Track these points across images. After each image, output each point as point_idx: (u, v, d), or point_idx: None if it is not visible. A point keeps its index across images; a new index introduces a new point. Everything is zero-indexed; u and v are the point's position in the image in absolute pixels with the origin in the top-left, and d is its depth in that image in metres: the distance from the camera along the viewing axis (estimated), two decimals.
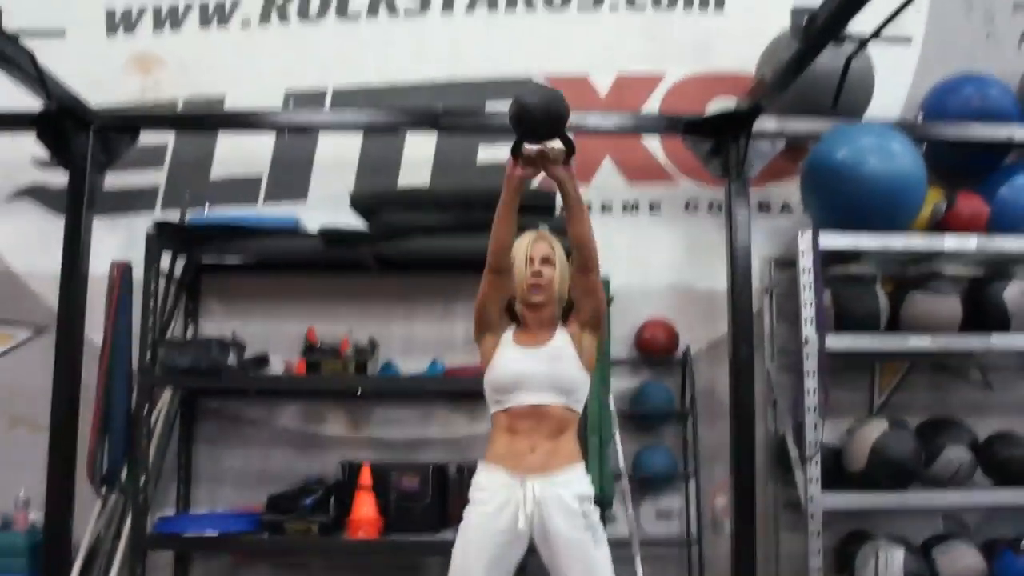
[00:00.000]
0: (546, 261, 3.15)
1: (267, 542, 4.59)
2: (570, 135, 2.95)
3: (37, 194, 5.36)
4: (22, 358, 5.22)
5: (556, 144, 2.94)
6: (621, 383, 5.16)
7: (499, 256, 3.07)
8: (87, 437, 4.71)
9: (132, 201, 5.34)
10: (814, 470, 4.50)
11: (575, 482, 3.06)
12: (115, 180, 5.23)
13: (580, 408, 3.15)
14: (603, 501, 4.59)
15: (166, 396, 5.01)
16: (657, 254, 5.33)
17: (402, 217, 4.70)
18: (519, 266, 3.13)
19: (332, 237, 4.65)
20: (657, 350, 5.15)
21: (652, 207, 5.39)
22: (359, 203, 4.74)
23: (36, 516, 4.82)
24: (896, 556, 4.48)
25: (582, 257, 3.09)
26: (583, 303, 3.14)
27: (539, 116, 2.81)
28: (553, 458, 3.02)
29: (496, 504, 3.01)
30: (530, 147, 2.96)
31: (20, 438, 5.13)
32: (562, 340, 3.13)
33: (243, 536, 4.59)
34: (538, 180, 5.03)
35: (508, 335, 3.17)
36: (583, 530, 2.98)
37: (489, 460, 3.11)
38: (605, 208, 5.37)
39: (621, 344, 5.18)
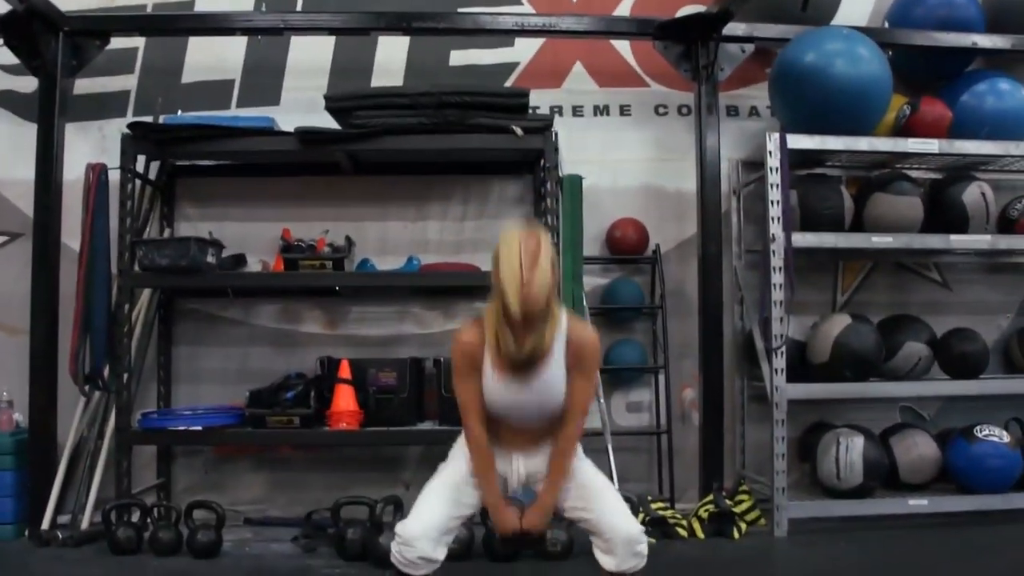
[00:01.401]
0: (536, 264, 2.76)
1: (250, 435, 4.72)
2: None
3: (6, 101, 5.30)
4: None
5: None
6: (593, 280, 5.29)
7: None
8: (67, 339, 4.77)
9: (103, 107, 5.32)
10: (779, 362, 4.66)
11: None
12: (86, 85, 5.24)
13: None
14: None
15: (145, 297, 5.07)
16: (628, 156, 5.42)
17: (376, 118, 4.73)
18: (509, 273, 2.76)
19: (308, 136, 4.68)
20: (628, 248, 5.27)
21: (623, 110, 5.47)
22: (333, 103, 4.76)
23: (19, 416, 4.92)
24: (856, 443, 4.68)
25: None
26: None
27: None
28: (536, 442, 3.04)
29: None
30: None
31: (0, 342, 5.18)
32: (553, 370, 2.92)
33: (226, 429, 4.71)
34: (512, 80, 5.32)
35: (488, 367, 2.94)
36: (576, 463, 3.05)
37: None
38: (576, 111, 5.44)
39: (593, 243, 5.28)
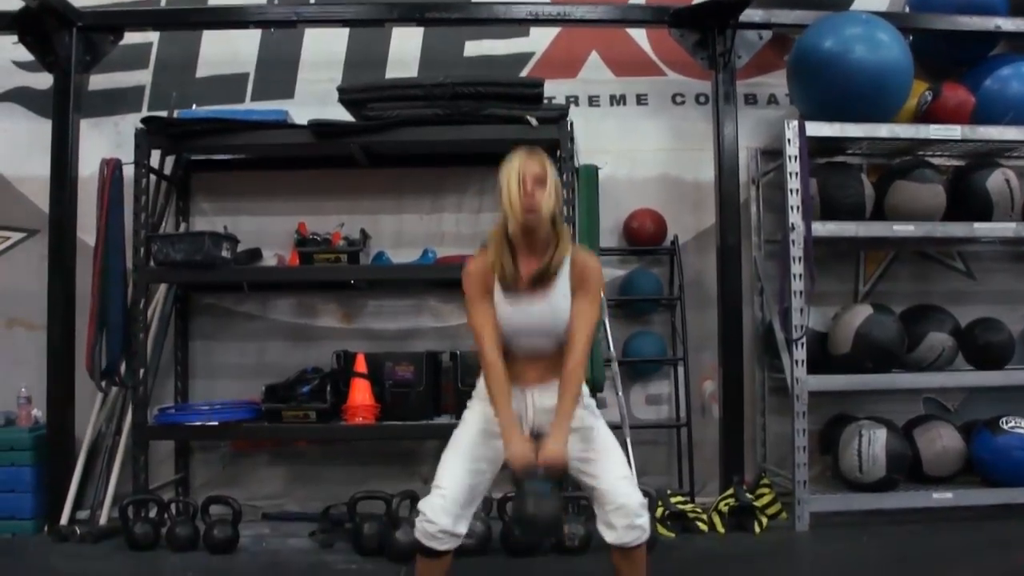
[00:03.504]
0: (538, 181, 2.95)
1: (266, 429, 4.71)
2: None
3: (21, 97, 5.32)
4: (16, 260, 5.26)
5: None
6: (610, 271, 5.24)
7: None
8: (84, 335, 4.77)
9: (118, 102, 5.33)
10: (800, 353, 4.60)
11: None
12: (100, 81, 5.26)
13: None
14: (594, 386, 4.72)
15: (161, 292, 5.08)
16: (645, 146, 5.36)
17: (391, 109, 4.70)
18: (512, 188, 2.95)
19: (322, 129, 4.65)
20: (645, 239, 5.22)
21: (640, 99, 5.40)
22: (347, 95, 4.73)
23: (38, 412, 4.93)
24: (879, 435, 4.61)
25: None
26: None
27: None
28: (550, 372, 3.02)
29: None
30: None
31: (18, 337, 5.20)
32: (560, 293, 2.99)
33: (243, 424, 4.70)
34: (527, 70, 5.25)
35: (498, 292, 3.01)
36: (588, 418, 3.04)
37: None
38: (592, 101, 5.38)
39: (610, 234, 5.24)
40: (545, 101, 4.92)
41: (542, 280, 2.96)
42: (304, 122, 4.76)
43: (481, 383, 3.08)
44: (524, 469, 2.85)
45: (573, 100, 5.31)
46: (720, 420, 5.05)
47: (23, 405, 4.86)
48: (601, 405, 4.91)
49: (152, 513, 4.56)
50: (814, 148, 4.79)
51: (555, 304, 2.97)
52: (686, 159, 5.32)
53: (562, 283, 2.98)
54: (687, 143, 5.32)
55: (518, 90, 4.73)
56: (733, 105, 5.02)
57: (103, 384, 4.77)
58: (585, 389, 3.07)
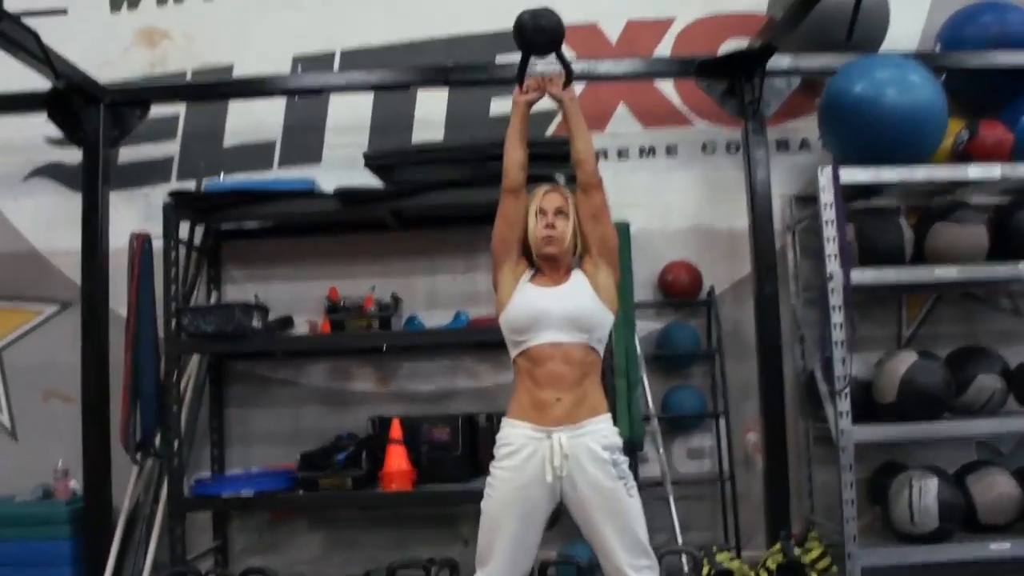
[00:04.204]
0: (559, 213, 3.10)
1: (302, 499, 4.64)
2: (568, 61, 3.13)
3: (53, 172, 5.40)
4: (50, 333, 5.30)
5: (555, 68, 3.11)
6: (647, 326, 5.16)
7: (512, 174, 3.14)
8: (119, 407, 4.76)
9: (147, 174, 5.38)
10: (844, 404, 4.46)
11: (603, 431, 3.00)
12: (129, 154, 5.34)
13: (602, 349, 3.09)
14: (633, 444, 4.63)
15: (195, 362, 5.06)
16: (677, 197, 5.29)
17: (418, 173, 4.69)
18: (532, 219, 3.11)
19: (348, 197, 4.65)
20: (681, 292, 5.14)
21: (669, 150, 5.35)
22: (374, 161, 4.73)
23: (75, 484, 4.91)
24: (930, 485, 4.45)
25: (584, 174, 3.11)
26: (591, 230, 3.09)
27: (531, 30, 2.99)
28: (578, 408, 2.96)
29: (522, 457, 2.95)
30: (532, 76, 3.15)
31: (55, 410, 5.23)
32: (579, 279, 3.08)
33: (279, 494, 4.65)
34: (554, 127, 5.20)
35: (525, 279, 3.12)
36: (614, 479, 2.94)
37: (513, 415, 3.05)
38: (622, 154, 5.33)
39: (645, 287, 5.16)
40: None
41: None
42: (332, 187, 4.75)
43: (497, 451, 3.04)
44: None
45: (602, 154, 5.27)
46: (764, 472, 4.91)
47: (60, 479, 4.85)
48: (642, 460, 4.89)
49: None
50: (849, 192, 4.68)
51: (578, 287, 3.06)
52: (719, 209, 5.24)
53: (578, 277, 3.09)
54: (719, 192, 5.25)
55: (547, 150, 4.69)
56: (764, 152, 4.93)
57: (138, 457, 4.75)
58: (617, 440, 3.02)
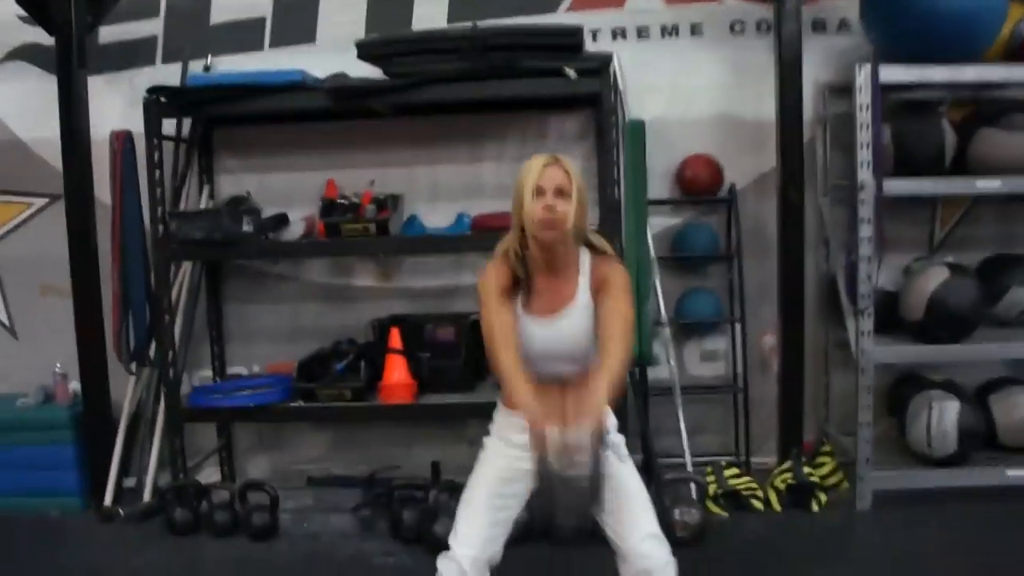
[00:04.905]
0: (560, 193, 2.60)
1: (300, 410, 4.54)
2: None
3: (30, 55, 5.03)
4: (42, 226, 5.08)
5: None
6: (662, 222, 4.85)
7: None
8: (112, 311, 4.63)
9: (131, 56, 5.00)
10: (866, 323, 4.21)
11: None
12: (111, 34, 4.95)
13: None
14: (643, 360, 4.45)
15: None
16: (700, 83, 4.83)
17: (415, 64, 4.31)
18: (528, 199, 2.61)
19: (340, 92, 4.30)
20: (700, 189, 4.80)
21: (694, 30, 4.83)
22: (367, 50, 4.33)
23: (76, 386, 4.84)
24: (950, 409, 4.24)
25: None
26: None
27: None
28: (576, 407, 2.67)
29: (518, 445, 2.67)
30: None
31: (53, 306, 5.05)
32: (581, 306, 2.67)
33: (276, 406, 4.54)
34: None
35: (518, 299, 2.71)
36: (616, 465, 2.70)
37: (512, 407, 2.71)
38: (642, 33, 4.84)
39: (661, 182, 4.81)
40: (588, 40, 4.49)
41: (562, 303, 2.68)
42: (327, 72, 4.42)
43: (496, 418, 2.83)
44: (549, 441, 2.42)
45: (620, 33, 4.81)
46: (779, 378, 4.74)
47: (59, 382, 4.78)
48: (654, 363, 4.70)
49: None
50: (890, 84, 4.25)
51: (576, 319, 2.67)
52: (746, 96, 4.79)
53: (582, 296, 2.68)
54: (747, 78, 4.78)
55: (554, 39, 4.28)
56: (798, 33, 4.46)
57: (133, 367, 4.65)
58: (613, 421, 2.78)
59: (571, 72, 4.22)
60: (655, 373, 4.74)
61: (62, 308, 4.94)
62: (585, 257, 2.72)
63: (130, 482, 4.82)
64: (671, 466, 4.53)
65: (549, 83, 4.26)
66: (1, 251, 5.19)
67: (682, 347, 4.94)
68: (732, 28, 4.83)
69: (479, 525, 2.75)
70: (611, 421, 2.80)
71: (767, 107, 4.66)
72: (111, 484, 4.67)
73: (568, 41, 4.27)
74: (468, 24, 4.42)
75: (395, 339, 4.53)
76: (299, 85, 4.39)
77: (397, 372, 4.49)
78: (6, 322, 5.23)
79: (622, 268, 2.72)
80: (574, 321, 2.67)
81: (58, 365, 4.78)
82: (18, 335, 5.23)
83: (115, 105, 4.82)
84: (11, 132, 5.04)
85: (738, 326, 4.86)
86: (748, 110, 4.81)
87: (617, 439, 2.81)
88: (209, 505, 4.40)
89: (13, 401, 4.88)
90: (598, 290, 2.66)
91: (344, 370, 4.55)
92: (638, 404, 4.63)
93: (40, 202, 5.07)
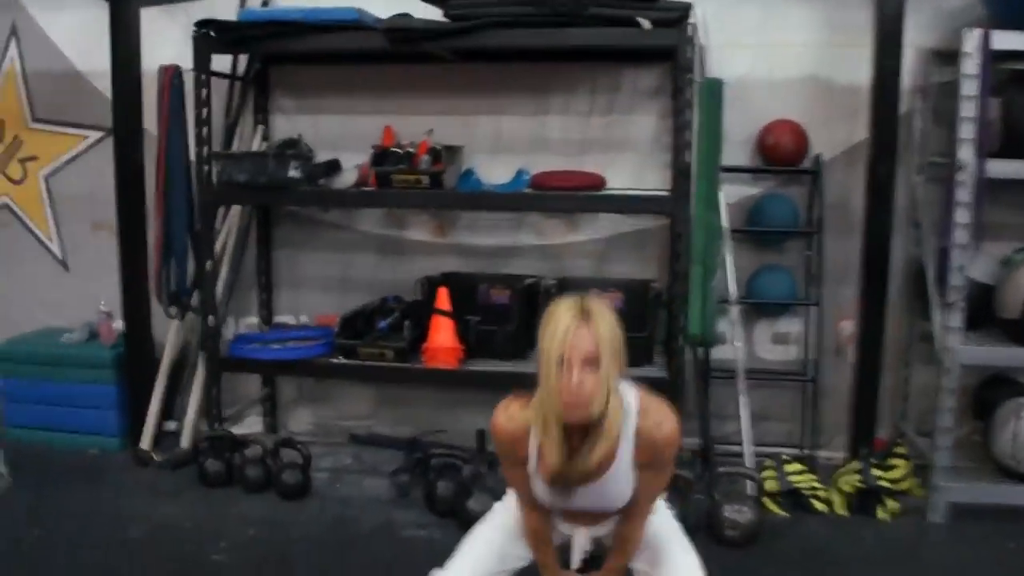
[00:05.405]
0: (589, 363, 2.15)
1: (340, 367, 4.35)
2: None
3: None
4: (96, 160, 4.92)
5: None
6: (739, 191, 4.46)
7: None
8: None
9: None
10: (955, 317, 3.80)
11: None
12: None
13: None
14: (704, 342, 4.13)
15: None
16: (790, 40, 4.38)
17: (475, 6, 4.00)
18: (551, 369, 2.17)
19: (395, 35, 4.02)
20: (781, 158, 4.38)
21: None
22: None
23: (120, 325, 4.76)
24: None
25: None
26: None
27: None
28: (605, 516, 2.50)
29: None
30: None
31: (103, 241, 4.93)
32: (618, 473, 2.31)
33: (316, 360, 4.36)
34: None
35: (533, 460, 2.36)
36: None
37: None
38: None
39: (739, 148, 4.42)
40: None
41: (586, 479, 2.29)
42: (392, 12, 4.11)
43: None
44: None
45: None
46: (854, 368, 4.37)
47: (103, 321, 4.69)
48: (719, 341, 4.37)
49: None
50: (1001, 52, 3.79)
51: (609, 486, 2.33)
52: (840, 57, 4.33)
53: (623, 461, 2.30)
54: (843, 37, 4.31)
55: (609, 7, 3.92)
56: None
57: (172, 311, 4.52)
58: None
59: (644, 21, 3.88)
60: (720, 352, 4.42)
61: (112, 246, 4.84)
62: (630, 415, 2.29)
63: (172, 426, 4.74)
64: (729, 455, 4.24)
65: (620, 33, 3.92)
66: (56, 184, 5.07)
67: (752, 327, 4.58)
68: None
69: (477, 561, 2.55)
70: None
71: (863, 72, 4.23)
72: (149, 428, 4.58)
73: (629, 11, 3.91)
74: None
75: (443, 299, 4.28)
76: (354, 24, 4.12)
77: (442, 334, 4.26)
78: (60, 255, 5.14)
79: (674, 434, 2.32)
80: (608, 486, 2.33)
81: (103, 303, 4.69)
82: (70, 268, 5.14)
83: (171, 38, 4.59)
84: (68, 62, 4.88)
85: (813, 309, 4.48)
86: (841, 74, 4.36)
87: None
88: (242, 459, 4.28)
89: (59, 336, 4.83)
90: (646, 462, 2.32)
91: (387, 328, 4.34)
92: (699, 386, 4.34)
93: (95, 135, 4.92)
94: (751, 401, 4.26)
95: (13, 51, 4.95)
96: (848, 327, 4.50)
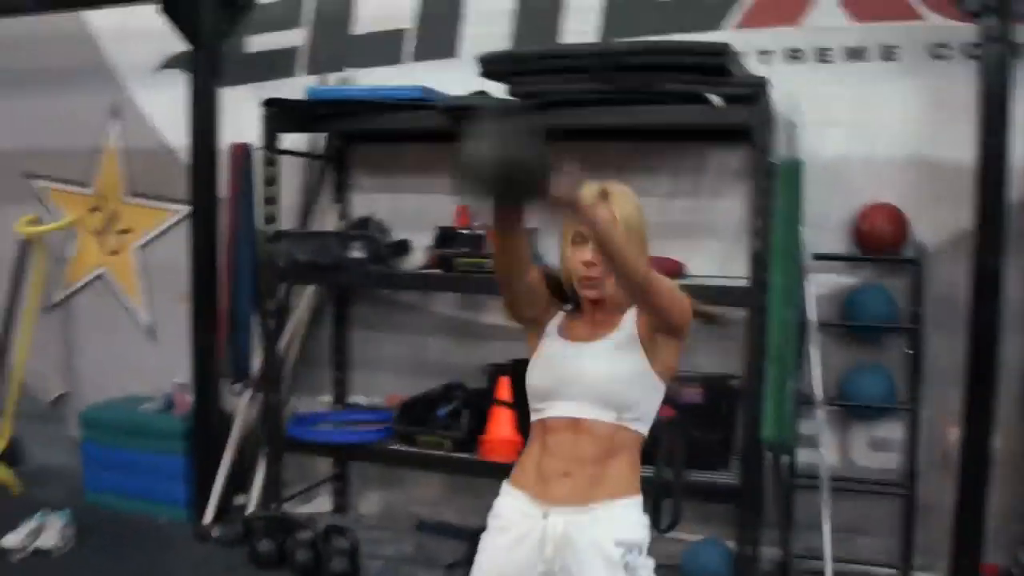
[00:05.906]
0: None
1: (396, 454, 4.22)
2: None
3: (183, 63, 4.93)
4: (183, 234, 4.93)
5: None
6: (831, 282, 4.09)
7: (506, 285, 2.29)
8: None
9: (273, 66, 4.86)
10: None
11: (620, 522, 2.22)
12: (255, 43, 4.89)
13: (644, 427, 2.27)
14: (778, 447, 3.76)
15: None
16: (889, 116, 4.02)
17: (539, 83, 3.84)
18: (566, 245, 2.27)
19: (458, 113, 3.91)
20: (878, 245, 3.98)
21: (886, 53, 4.03)
22: (489, 68, 3.92)
23: None
24: None
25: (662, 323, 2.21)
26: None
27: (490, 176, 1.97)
28: (592, 488, 2.20)
29: (512, 538, 2.28)
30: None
31: (187, 314, 4.97)
32: (625, 335, 2.24)
33: (374, 445, 4.25)
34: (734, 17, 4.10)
35: (557, 320, 2.36)
36: None
37: (512, 481, 2.37)
38: (822, 55, 4.09)
39: (832, 234, 4.07)
40: (756, 57, 3.87)
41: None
42: (466, 88, 4.05)
43: (489, 519, 2.41)
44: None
45: (796, 55, 4.11)
46: (957, 485, 3.87)
47: (177, 392, 4.74)
48: (808, 445, 3.98)
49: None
50: None
51: (613, 351, 2.23)
52: (945, 136, 3.93)
53: (627, 326, 2.24)
54: (947, 114, 3.91)
55: (696, 59, 3.66)
56: (1010, 59, 3.58)
57: (236, 388, 4.51)
58: (637, 536, 2.23)
59: (716, 98, 3.62)
60: (810, 458, 4.02)
61: None
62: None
63: (241, 499, 4.71)
64: (811, 573, 3.82)
65: (690, 110, 3.70)
66: (149, 255, 5.26)
67: (847, 431, 4.17)
68: (933, 52, 3.98)
69: None
70: (637, 536, 2.25)
71: (971, 151, 3.81)
72: (212, 501, 4.57)
73: (712, 62, 3.64)
74: (598, 41, 3.90)
75: (503, 389, 4.09)
76: (419, 103, 4.05)
77: (502, 426, 4.06)
78: (148, 325, 5.27)
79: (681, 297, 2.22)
80: (611, 350, 2.23)
81: (178, 375, 4.74)
82: (158, 338, 5.26)
83: (254, 116, 4.68)
84: (162, 139, 5.07)
85: (915, 413, 4.01)
86: (947, 153, 3.95)
87: (639, 562, 2.23)
88: (293, 541, 4.17)
89: (140, 404, 4.93)
90: (652, 329, 2.21)
91: (446, 416, 4.18)
92: (778, 495, 3.95)
93: (184, 209, 5.03)
94: (843, 512, 3.86)
95: (114, 129, 5.16)
96: (956, 434, 4.00)
